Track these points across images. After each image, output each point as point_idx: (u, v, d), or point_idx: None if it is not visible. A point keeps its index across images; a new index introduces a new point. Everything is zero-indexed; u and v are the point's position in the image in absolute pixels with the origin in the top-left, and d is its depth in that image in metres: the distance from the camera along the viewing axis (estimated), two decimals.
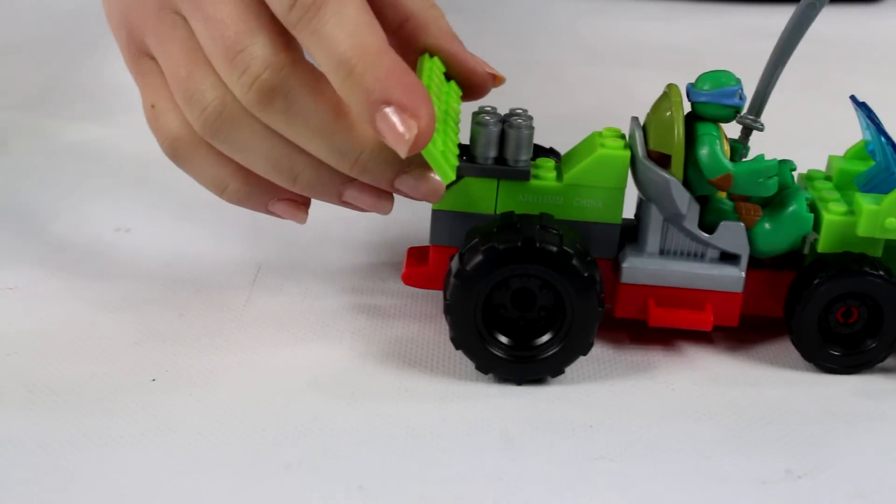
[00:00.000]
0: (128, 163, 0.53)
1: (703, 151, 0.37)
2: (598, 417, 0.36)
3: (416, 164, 0.35)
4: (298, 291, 0.42)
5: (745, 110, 0.40)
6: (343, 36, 0.32)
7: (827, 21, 0.77)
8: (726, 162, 0.37)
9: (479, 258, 0.35)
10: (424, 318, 0.41)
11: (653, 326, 0.39)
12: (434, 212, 0.39)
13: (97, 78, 0.65)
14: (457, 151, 0.35)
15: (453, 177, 0.34)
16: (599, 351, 0.40)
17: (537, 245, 0.35)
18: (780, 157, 0.40)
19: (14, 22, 0.79)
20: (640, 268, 0.39)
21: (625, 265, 0.39)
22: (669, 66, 0.69)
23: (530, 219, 0.37)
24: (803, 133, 0.60)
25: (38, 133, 0.57)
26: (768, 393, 0.38)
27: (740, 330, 0.40)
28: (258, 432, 0.34)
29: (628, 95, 0.64)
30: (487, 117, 0.37)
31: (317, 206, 0.39)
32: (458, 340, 0.36)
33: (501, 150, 0.38)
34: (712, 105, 0.38)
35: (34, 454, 0.32)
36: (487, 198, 0.38)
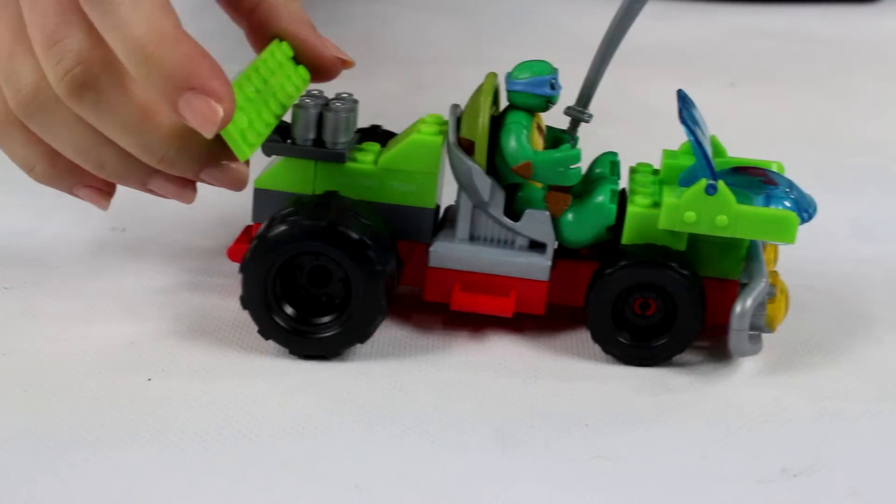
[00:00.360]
0: None
1: (507, 139, 0.38)
2: (593, 416, 0.36)
3: (220, 156, 0.35)
4: None
5: (586, 102, 0.41)
6: (138, 20, 0.32)
7: (825, 20, 0.77)
8: (527, 150, 0.38)
9: (282, 228, 0.36)
10: (417, 316, 0.41)
11: (453, 310, 0.40)
12: (255, 190, 0.40)
13: None
14: (264, 131, 0.36)
15: (249, 155, 0.35)
16: (591, 348, 0.40)
17: (339, 229, 0.36)
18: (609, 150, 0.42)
19: None
20: (447, 253, 0.40)
21: (432, 249, 0.40)
22: (664, 65, 0.71)
23: (346, 203, 0.38)
24: (799, 130, 0.62)
25: None
26: (761, 392, 0.38)
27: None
28: (254, 431, 0.34)
29: (623, 94, 0.64)
30: (308, 100, 0.38)
31: None
32: (246, 301, 0.37)
33: (320, 133, 0.38)
34: (524, 94, 0.39)
35: (30, 454, 0.33)
36: (306, 178, 0.40)
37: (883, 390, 0.39)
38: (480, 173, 0.39)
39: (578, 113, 0.41)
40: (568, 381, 0.39)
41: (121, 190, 0.45)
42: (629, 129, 0.61)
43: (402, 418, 0.36)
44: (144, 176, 0.37)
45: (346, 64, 0.40)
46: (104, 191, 0.39)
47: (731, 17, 0.80)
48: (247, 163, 0.37)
